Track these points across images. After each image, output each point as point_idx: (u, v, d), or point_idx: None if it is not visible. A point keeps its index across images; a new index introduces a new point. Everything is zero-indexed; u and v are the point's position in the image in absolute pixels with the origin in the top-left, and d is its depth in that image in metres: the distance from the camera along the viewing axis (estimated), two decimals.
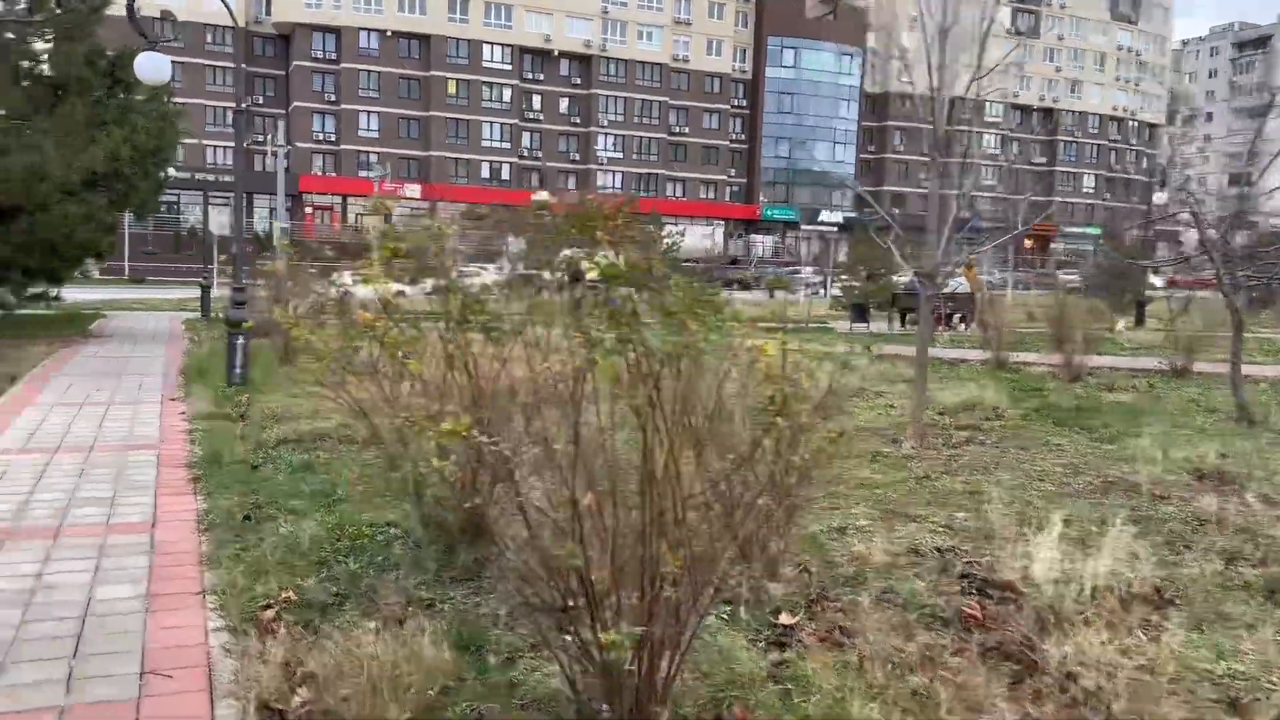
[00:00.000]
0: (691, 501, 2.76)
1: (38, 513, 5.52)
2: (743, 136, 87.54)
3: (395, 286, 4.35)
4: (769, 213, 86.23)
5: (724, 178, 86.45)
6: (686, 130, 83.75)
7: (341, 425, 8.34)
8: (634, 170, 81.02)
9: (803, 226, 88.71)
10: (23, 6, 13.73)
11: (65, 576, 4.49)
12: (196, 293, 33.25)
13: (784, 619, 4.10)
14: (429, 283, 5.81)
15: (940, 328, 21.13)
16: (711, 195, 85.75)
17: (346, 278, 5.47)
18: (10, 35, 14.28)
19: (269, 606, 4.18)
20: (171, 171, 19.42)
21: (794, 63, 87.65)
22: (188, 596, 4.32)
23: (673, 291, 2.76)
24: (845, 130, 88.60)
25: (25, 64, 15.77)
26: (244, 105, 11.89)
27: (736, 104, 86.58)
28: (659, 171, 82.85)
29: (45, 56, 15.83)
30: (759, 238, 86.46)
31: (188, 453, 7.33)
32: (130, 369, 12.38)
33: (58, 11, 11.13)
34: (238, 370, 10.37)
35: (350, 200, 73.81)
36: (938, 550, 5.14)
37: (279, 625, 3.98)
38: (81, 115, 13.66)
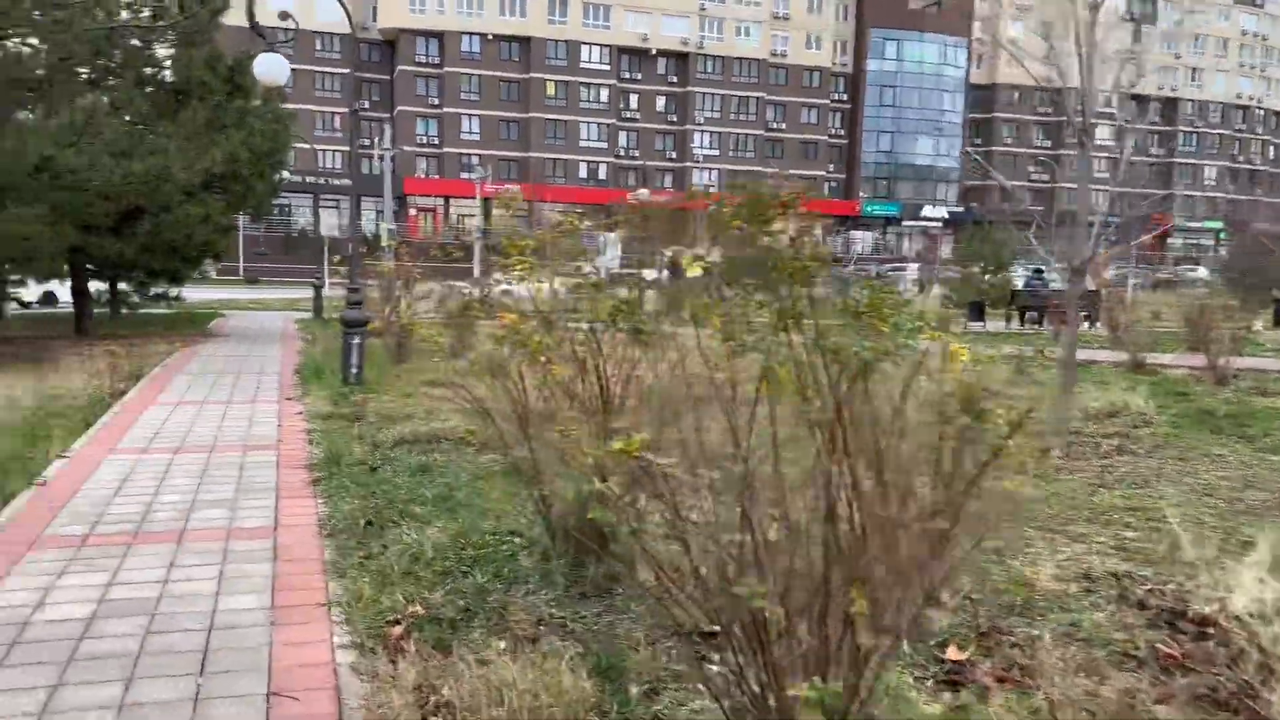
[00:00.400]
0: (880, 532, 2.39)
1: (161, 515, 5.47)
2: (842, 131, 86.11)
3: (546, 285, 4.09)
4: (869, 208, 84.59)
5: (822, 173, 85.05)
6: (784, 126, 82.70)
7: (458, 426, 8.23)
8: (730, 167, 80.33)
9: (904, 222, 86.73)
10: (147, 14, 14.11)
11: (189, 585, 4.37)
12: (308, 293, 34.20)
13: (952, 654, 3.69)
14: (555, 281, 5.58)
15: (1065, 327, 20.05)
16: (811, 192, 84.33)
17: (499, 275, 5.24)
18: (135, 42, 14.71)
19: (397, 622, 3.97)
20: (284, 174, 19.86)
21: (896, 55, 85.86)
22: (312, 609, 4.15)
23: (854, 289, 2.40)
24: (950, 123, 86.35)
25: (149, 70, 16.28)
26: (355, 108, 11.99)
27: (836, 98, 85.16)
28: (756, 168, 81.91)
29: (168, 63, 16.33)
30: (858, 234, 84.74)
31: (306, 454, 7.27)
32: (248, 368, 12.59)
33: (181, 17, 11.38)
34: (353, 369, 10.39)
35: (452, 202, 75.25)
36: (1113, 576, 4.64)
37: (408, 643, 3.76)
38: (202, 119, 13.99)
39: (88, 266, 16.60)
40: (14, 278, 16.39)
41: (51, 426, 7.76)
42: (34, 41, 11.11)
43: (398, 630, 3.90)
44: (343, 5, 11.00)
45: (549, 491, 4.73)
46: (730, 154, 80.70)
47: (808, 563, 2.40)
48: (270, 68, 10.10)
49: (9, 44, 10.85)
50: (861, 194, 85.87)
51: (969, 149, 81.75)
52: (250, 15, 9.68)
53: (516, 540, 5.08)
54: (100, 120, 9.52)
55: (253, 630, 3.89)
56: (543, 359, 3.51)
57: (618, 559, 4.39)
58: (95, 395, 9.37)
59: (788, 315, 2.48)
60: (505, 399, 4.87)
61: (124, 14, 11.75)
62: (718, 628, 3.11)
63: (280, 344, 16.27)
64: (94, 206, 11.66)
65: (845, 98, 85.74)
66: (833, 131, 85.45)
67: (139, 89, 14.64)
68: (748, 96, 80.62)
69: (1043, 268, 23.88)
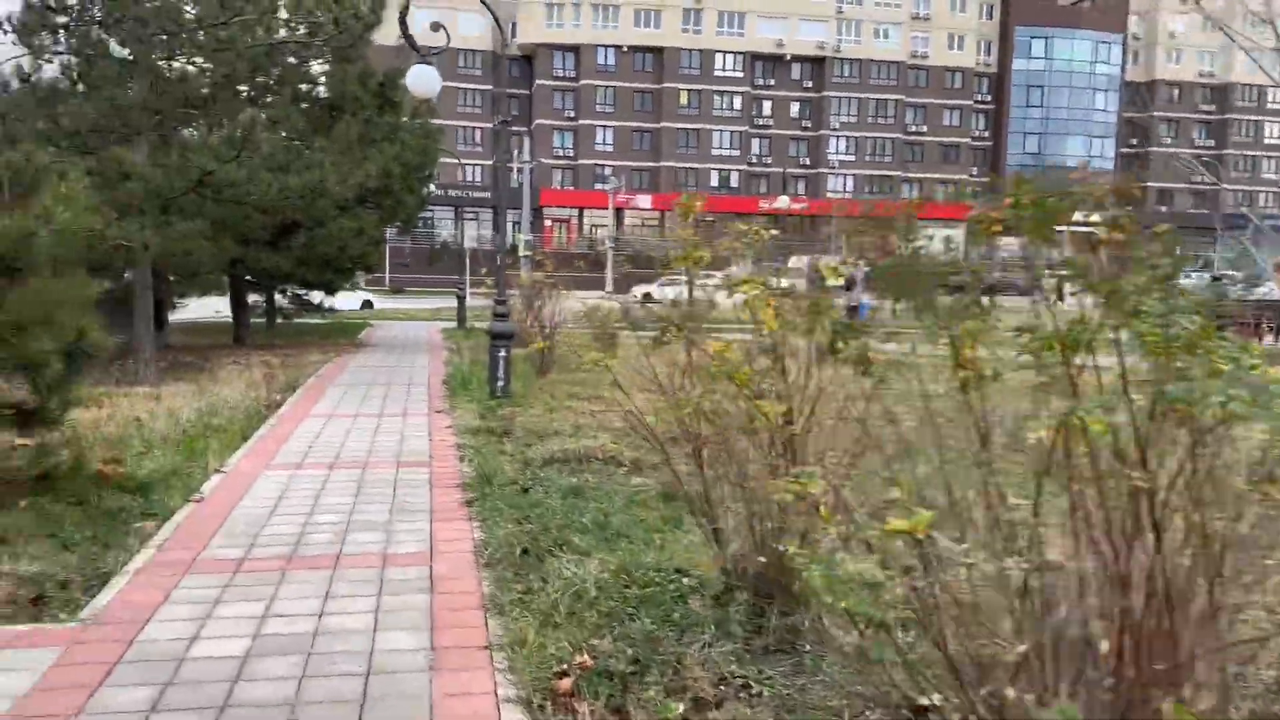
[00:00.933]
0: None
1: (316, 538, 5.30)
2: (986, 133, 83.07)
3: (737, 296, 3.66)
4: None
5: (965, 177, 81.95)
6: (924, 129, 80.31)
7: (607, 445, 7.90)
8: (867, 172, 78.53)
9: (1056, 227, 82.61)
10: (303, 31, 14.49)
11: (345, 619, 4.12)
12: (450, 302, 35.01)
13: None
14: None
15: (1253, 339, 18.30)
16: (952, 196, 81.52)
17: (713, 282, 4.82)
18: (291, 60, 15.13)
19: (564, 673, 3.60)
20: (431, 188, 20.20)
21: (1044, 53, 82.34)
22: (474, 651, 3.82)
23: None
24: (1103, 123, 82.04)
25: (304, 87, 16.77)
26: (501, 120, 11.93)
27: (979, 99, 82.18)
28: (894, 173, 79.92)
29: (322, 79, 16.77)
30: (1005, 240, 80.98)
31: (457, 471, 7.06)
32: (397, 378, 12.68)
33: (335, 31, 11.59)
34: (500, 383, 10.24)
35: (586, 212, 76.14)
36: None
37: (578, 702, 3.38)
38: (355, 134, 14.25)
39: (246, 279, 17.20)
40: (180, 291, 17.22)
41: (209, 440, 7.82)
42: (199, 60, 11.50)
43: (565, 684, 3.53)
44: (495, 21, 10.93)
45: (724, 527, 4.29)
46: (867, 158, 78.92)
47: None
48: (422, 80, 10.08)
49: (175, 63, 11.25)
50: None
51: (1195, 157, 76.78)
52: (403, 25, 9.66)
53: (685, 580, 4.65)
54: (259, 135, 9.70)
55: (412, 676, 3.58)
56: (746, 394, 3.03)
57: (800, 604, 3.92)
58: (252, 408, 9.51)
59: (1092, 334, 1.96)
60: (677, 425, 4.45)
61: (282, 31, 12.02)
62: (936, 700, 2.60)
63: (427, 354, 16.45)
64: (252, 220, 11.98)
65: (989, 98, 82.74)
66: (976, 133, 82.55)
67: (295, 105, 15.05)
68: (886, 99, 78.66)
69: (1222, 275, 21.99)
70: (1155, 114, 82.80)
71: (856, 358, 2.50)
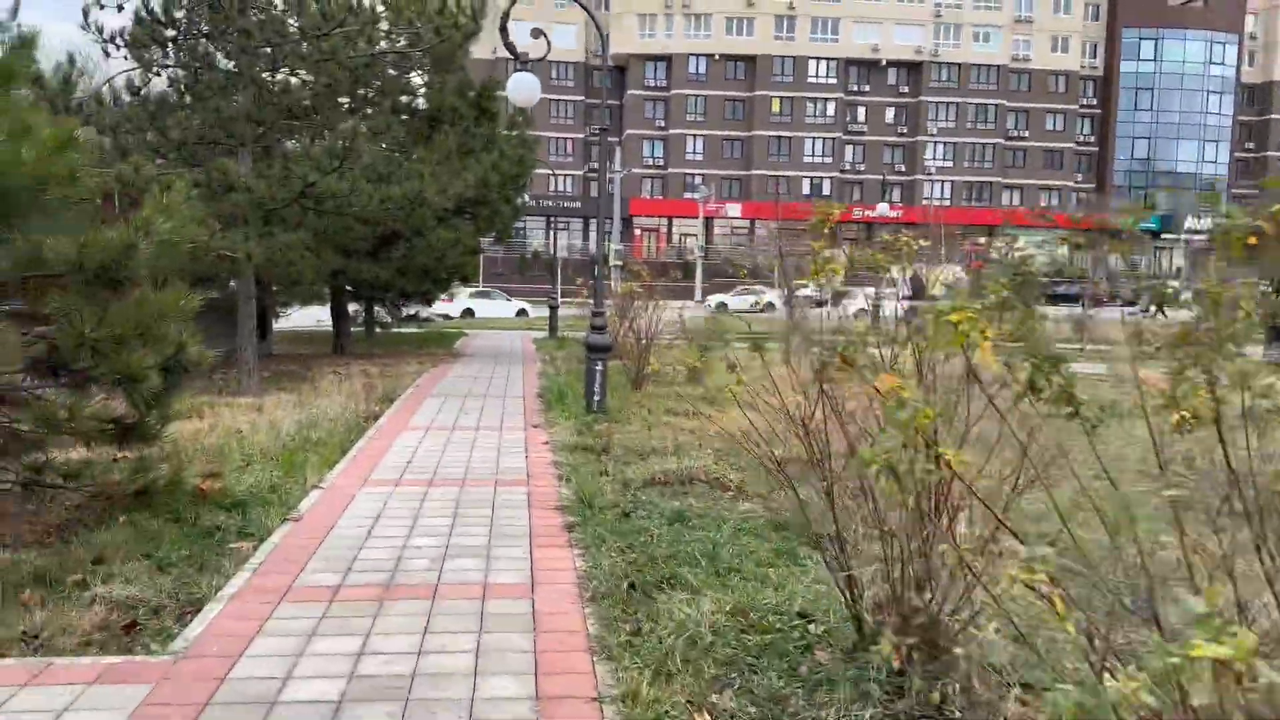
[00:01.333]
0: None
1: (414, 565, 5.05)
2: (1091, 138, 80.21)
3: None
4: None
5: (1069, 183, 79.30)
6: (1026, 134, 77.95)
7: (709, 466, 7.53)
8: (965, 179, 76.53)
9: (1163, 236, 79.33)
10: (404, 42, 14.54)
11: (444, 659, 3.83)
12: (543, 311, 35.14)
13: None
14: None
15: None
16: (1055, 203, 78.84)
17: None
18: (392, 71, 15.21)
19: None
20: (526, 198, 20.17)
21: (1154, 55, 79.11)
22: (582, 704, 3.48)
23: None
24: (1216, 127, 78.26)
25: (404, 99, 16.87)
26: (601, 128, 11.68)
27: (1085, 104, 79.37)
28: (993, 180, 77.75)
29: (421, 91, 16.86)
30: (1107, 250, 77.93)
31: (556, 492, 6.77)
32: (493, 390, 12.54)
33: (436, 40, 11.54)
34: (596, 398, 9.96)
35: (674, 222, 75.99)
36: None
37: None
38: (453, 144, 14.22)
39: (346, 289, 17.38)
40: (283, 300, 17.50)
41: (308, 454, 7.72)
42: (301, 72, 11.57)
43: None
44: (597, 27, 10.71)
45: (859, 573, 3.86)
46: (966, 165, 76.95)
47: None
48: (522, 88, 9.90)
49: (278, 75, 11.34)
50: (1114, 205, 79.25)
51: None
52: (503, 33, 9.49)
53: (810, 627, 4.23)
54: (360, 146, 9.65)
55: None
56: (928, 439, 2.60)
57: (948, 664, 3.47)
58: (351, 420, 9.42)
59: None
60: (805, 453, 4.05)
61: (383, 43, 12.03)
62: None
63: (521, 365, 16.34)
64: (353, 231, 12.01)
65: (1095, 102, 79.84)
66: (1081, 138, 79.79)
67: (395, 116, 15.12)
68: (986, 104, 76.60)
69: None
70: (1274, 117, 78.80)
71: (1060, 395, 2.06)
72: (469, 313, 37.98)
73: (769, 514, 6.17)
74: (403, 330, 20.22)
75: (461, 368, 15.85)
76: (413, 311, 18.59)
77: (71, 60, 10.10)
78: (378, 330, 19.22)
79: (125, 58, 11.45)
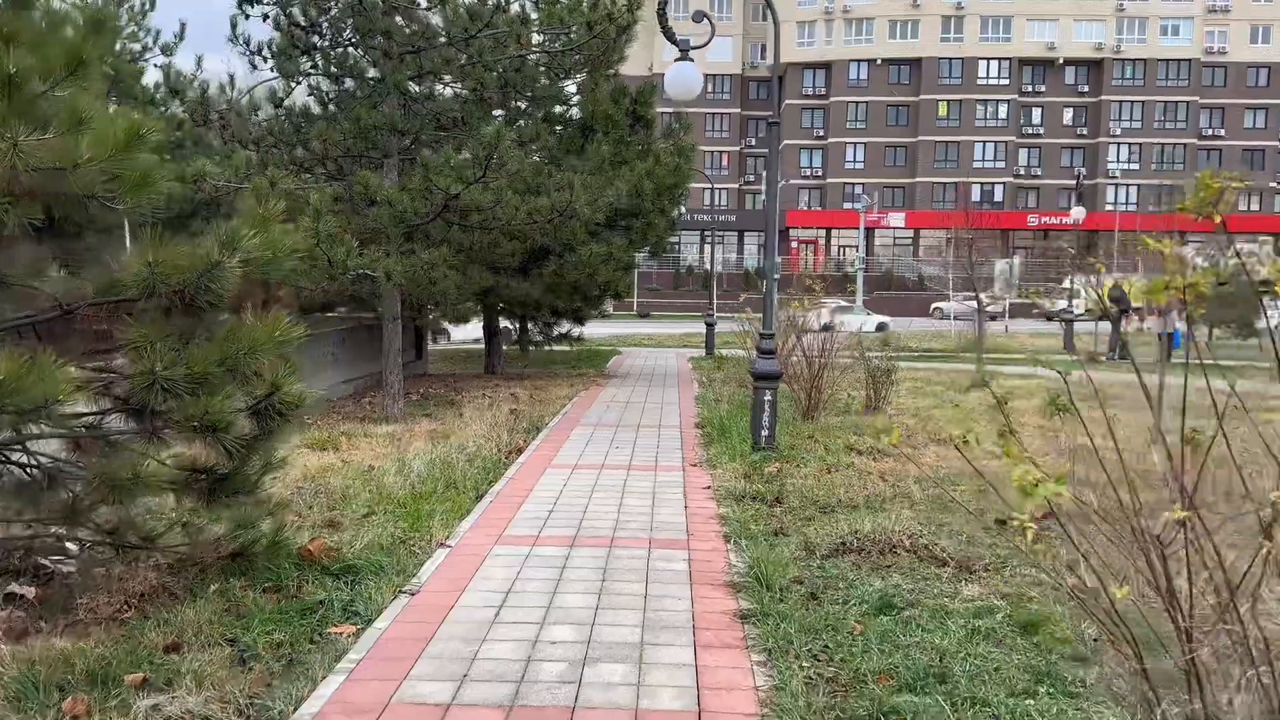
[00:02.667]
0: None
1: (547, 671, 3.91)
2: None
3: None
4: None
5: (1273, 184, 72.37)
6: (1222, 132, 71.84)
7: (911, 528, 6.11)
8: (1154, 182, 70.92)
9: None
10: (558, 45, 13.74)
11: None
12: (697, 327, 34.02)
13: None
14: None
15: None
16: (1255, 207, 72.19)
17: None
18: (545, 81, 14.46)
19: None
20: (682, 209, 19.09)
21: None
22: None
23: None
24: None
25: (558, 110, 16.11)
26: (771, 122, 10.46)
27: None
28: (1185, 182, 71.51)
29: (575, 99, 16.05)
30: None
31: (724, 562, 5.52)
32: (647, 418, 11.43)
33: (589, 36, 10.62)
34: (764, 432, 8.66)
35: (833, 233, 73.80)
36: None
37: None
38: (606, 153, 13.29)
39: (499, 306, 16.75)
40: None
41: (440, 500, 6.77)
42: (447, 78, 10.86)
43: None
44: (774, 23, 9.45)
45: None
46: (1153, 167, 71.40)
47: None
48: (682, 79, 8.76)
49: (425, 84, 10.66)
50: None
51: None
52: (662, 18, 8.40)
53: None
54: (505, 153, 8.77)
55: None
56: None
57: None
58: (490, 458, 8.46)
59: None
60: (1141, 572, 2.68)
61: (535, 38, 11.19)
62: None
63: (677, 388, 15.21)
64: (500, 247, 11.20)
65: None
66: None
67: (546, 125, 14.33)
68: (1175, 102, 71.10)
69: None
70: None
71: None
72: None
73: (1007, 604, 4.74)
74: (557, 347, 19.45)
75: (614, 390, 14.85)
76: (564, 330, 17.79)
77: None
78: (531, 348, 18.53)
79: (272, 69, 11.04)
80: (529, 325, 19.40)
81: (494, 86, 10.38)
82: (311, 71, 10.79)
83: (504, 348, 17.81)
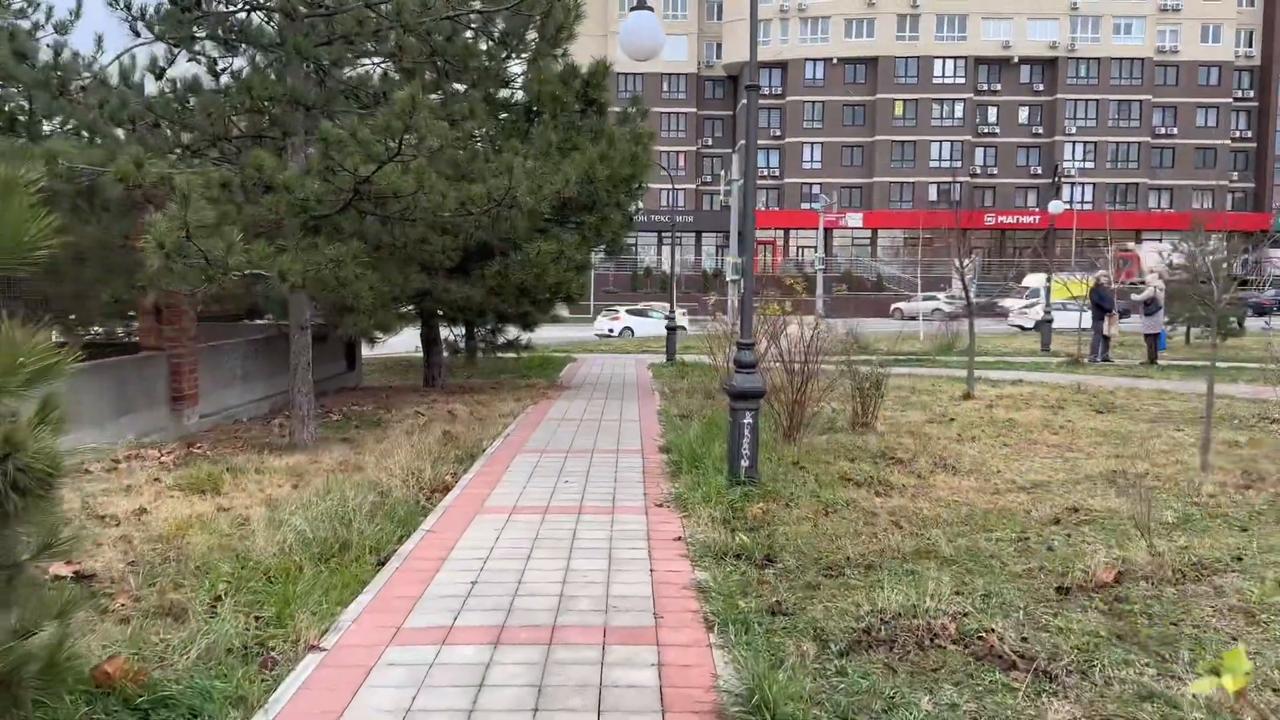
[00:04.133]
0: None
1: None
2: (1248, 134, 74.07)
3: None
4: None
5: (1223, 183, 73.13)
6: (1174, 131, 72.45)
7: (953, 602, 4.60)
8: (1107, 181, 71.27)
9: None
10: (501, 28, 12.13)
11: None
12: (657, 331, 32.51)
13: None
14: None
15: None
16: (1207, 204, 72.67)
17: None
18: (488, 63, 12.84)
19: None
20: (640, 204, 17.53)
21: None
22: None
23: None
24: None
25: (502, 94, 14.50)
26: (749, 125, 8.97)
27: (1240, 96, 73.31)
28: (1139, 180, 72.34)
29: (519, 81, 14.44)
30: (1276, 253, 71.49)
31: (709, 668, 3.95)
32: (603, 441, 9.84)
33: (539, 17, 9.09)
34: (744, 463, 7.12)
35: (791, 233, 72.99)
36: None
37: None
38: (553, 137, 11.70)
39: (437, 312, 15.06)
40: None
41: (326, 574, 5.11)
42: (365, 43, 9.18)
43: None
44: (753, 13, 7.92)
45: None
46: (1108, 165, 71.70)
47: None
48: (640, 32, 7.19)
49: (336, 51, 8.95)
50: (1276, 205, 72.77)
51: None
52: None
53: None
54: (423, 123, 7.12)
55: None
56: None
57: None
58: (407, 502, 6.79)
59: None
60: None
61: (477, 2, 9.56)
62: None
63: (637, 400, 13.63)
64: (430, 243, 9.57)
65: (1251, 95, 73.67)
66: (1236, 134, 73.82)
67: (488, 108, 12.70)
68: (1129, 100, 71.44)
69: None
70: None
71: None
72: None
73: None
74: (503, 355, 17.71)
75: (566, 403, 13.24)
76: (512, 337, 16.12)
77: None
78: (479, 356, 16.77)
79: (157, 36, 9.28)
80: (475, 331, 17.69)
81: (416, 53, 8.73)
82: (201, 36, 9.06)
83: (445, 356, 16.07)
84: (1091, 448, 9.09)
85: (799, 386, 8.85)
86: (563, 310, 17.49)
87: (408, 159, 7.66)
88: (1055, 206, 24.72)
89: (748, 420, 7.06)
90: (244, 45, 9.03)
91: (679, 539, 5.93)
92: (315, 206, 8.05)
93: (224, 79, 9.27)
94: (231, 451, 9.27)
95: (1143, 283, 37.29)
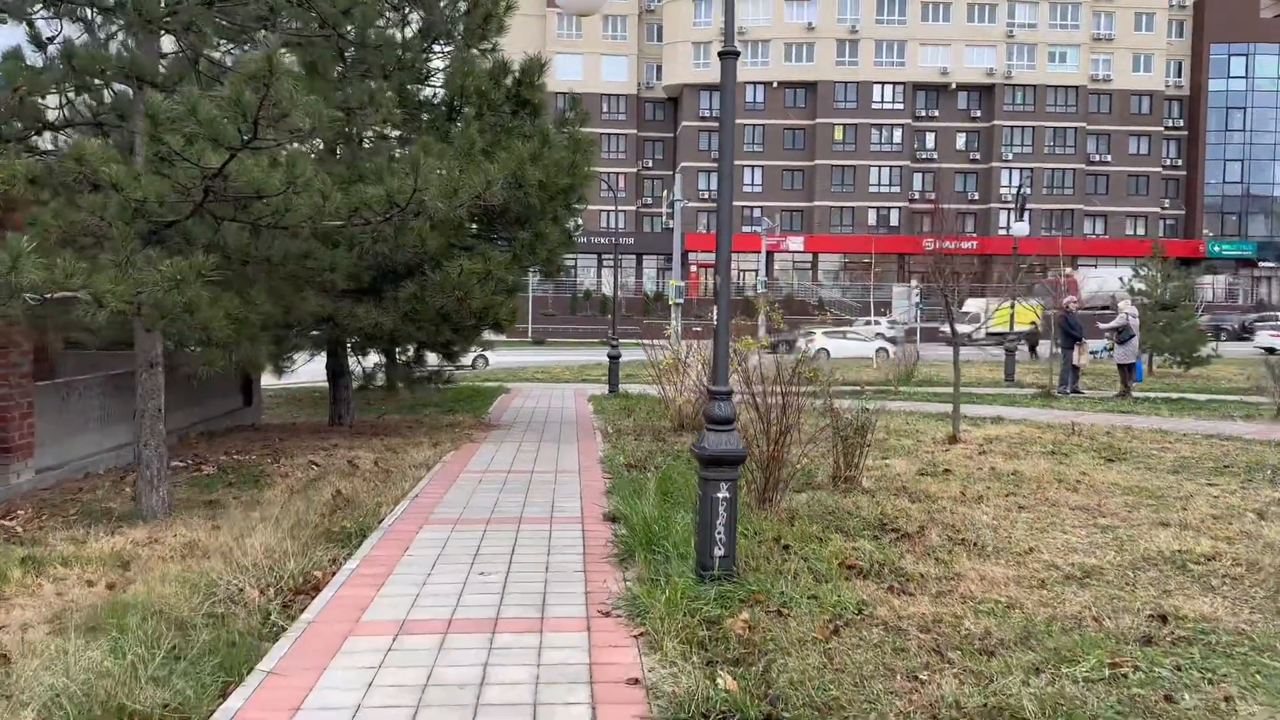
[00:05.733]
0: None
1: None
2: (1179, 162, 75.75)
3: None
4: (1216, 248, 72.87)
5: (1156, 210, 74.49)
6: (1108, 159, 73.59)
7: None
8: (1044, 207, 71.78)
9: (1261, 264, 73.93)
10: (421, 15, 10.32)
11: None
12: (596, 356, 30.68)
13: None
14: None
15: None
16: (1141, 231, 73.78)
17: None
18: (402, 53, 11.00)
19: None
20: (579, 221, 15.73)
21: (1245, 71, 75.26)
22: None
23: None
24: None
25: (426, 92, 12.66)
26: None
27: (1170, 125, 74.92)
28: (1074, 207, 73.24)
29: (439, 78, 12.59)
30: (1206, 279, 72.71)
31: None
32: (532, 503, 7.98)
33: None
34: (719, 551, 5.33)
35: (733, 257, 72.03)
36: None
37: None
38: (478, 137, 9.89)
39: (343, 340, 13.05)
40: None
41: None
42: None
43: None
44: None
45: None
46: (1044, 191, 72.29)
47: None
48: None
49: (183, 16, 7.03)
50: (1206, 231, 74.30)
51: None
52: None
53: None
54: (286, 96, 5.27)
55: None
56: None
57: None
58: (245, 629, 4.80)
59: None
60: None
61: None
62: None
63: (576, 443, 11.78)
64: (316, 258, 7.67)
65: (1182, 124, 75.35)
66: (1167, 162, 75.38)
67: (403, 107, 10.83)
68: (1064, 127, 72.54)
69: None
70: None
71: None
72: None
73: None
74: (422, 390, 15.61)
75: (492, 448, 11.34)
76: (434, 369, 14.14)
77: None
78: (400, 386, 14.62)
79: None
80: (398, 359, 15.61)
81: (283, 6, 6.86)
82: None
83: (352, 391, 14.02)
84: (1125, 512, 7.50)
85: (776, 438, 7.10)
86: (492, 336, 15.57)
87: (269, 146, 5.80)
88: (1019, 229, 23.56)
89: (724, 494, 5.28)
90: (75, 5, 7.05)
91: (636, 681, 4.10)
92: (158, 211, 6.11)
93: (52, 49, 7.27)
94: (57, 524, 7.21)
95: (1106, 308, 36.63)
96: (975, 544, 6.39)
